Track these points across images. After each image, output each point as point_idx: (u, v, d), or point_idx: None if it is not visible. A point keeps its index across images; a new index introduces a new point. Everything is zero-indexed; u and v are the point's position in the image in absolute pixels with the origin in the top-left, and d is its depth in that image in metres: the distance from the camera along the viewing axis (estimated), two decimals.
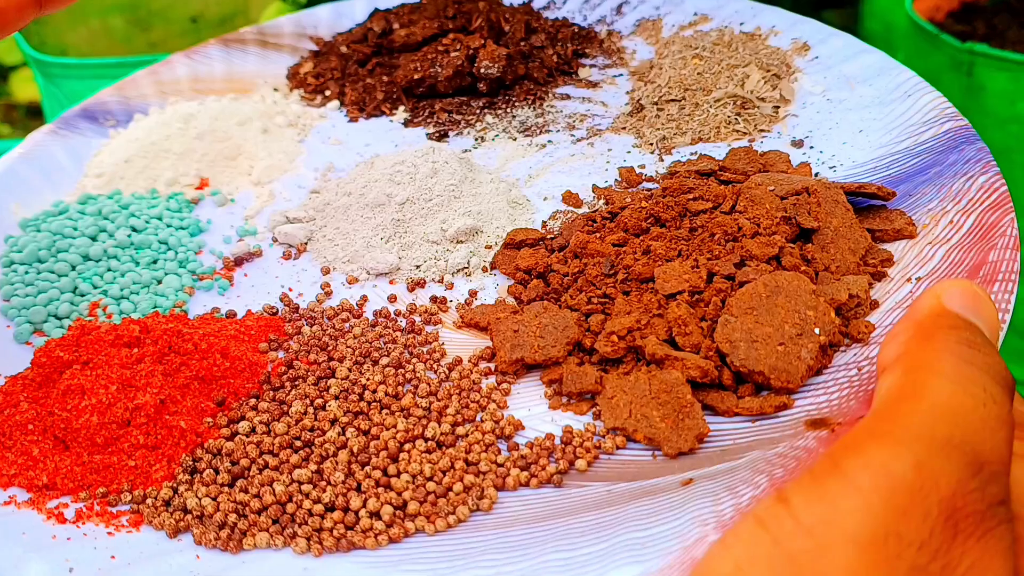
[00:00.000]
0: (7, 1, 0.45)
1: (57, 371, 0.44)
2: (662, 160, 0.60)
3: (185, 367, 0.45)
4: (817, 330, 0.42)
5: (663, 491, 0.37)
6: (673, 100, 0.65)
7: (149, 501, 0.40)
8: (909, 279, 0.46)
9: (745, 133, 0.62)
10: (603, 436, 0.42)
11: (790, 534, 0.28)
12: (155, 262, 0.56)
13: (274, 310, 0.51)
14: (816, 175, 0.56)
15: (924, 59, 0.95)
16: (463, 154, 0.62)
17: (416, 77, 0.68)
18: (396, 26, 0.74)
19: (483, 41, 0.69)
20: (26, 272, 0.55)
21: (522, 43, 0.72)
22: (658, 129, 0.63)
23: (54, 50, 1.02)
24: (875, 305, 0.45)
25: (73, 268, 0.55)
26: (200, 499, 0.40)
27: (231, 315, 0.51)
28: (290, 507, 0.39)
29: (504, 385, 0.45)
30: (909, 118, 0.57)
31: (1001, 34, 1.02)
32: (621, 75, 0.71)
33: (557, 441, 0.42)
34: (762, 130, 0.62)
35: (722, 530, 0.34)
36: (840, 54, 0.66)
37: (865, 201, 0.52)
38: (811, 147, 0.59)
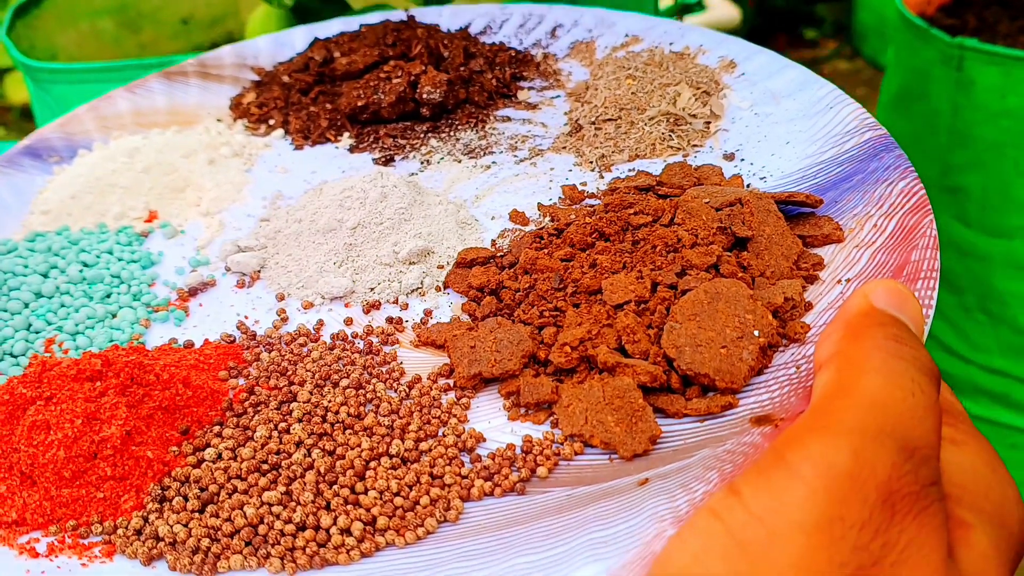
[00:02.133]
0: None
1: (20, 408, 0.44)
2: (602, 177, 0.63)
3: (148, 398, 0.45)
4: (756, 332, 0.45)
5: (621, 492, 0.39)
6: (610, 119, 0.68)
7: (120, 531, 0.41)
8: (839, 281, 0.49)
9: (679, 149, 0.64)
10: (561, 443, 0.43)
11: (742, 524, 0.30)
12: (108, 296, 0.56)
13: (231, 338, 0.52)
14: (748, 186, 0.59)
15: (914, 53, 0.95)
16: (410, 178, 0.64)
17: (360, 104, 0.70)
18: (337, 55, 0.75)
19: (424, 67, 0.71)
20: None
21: (462, 68, 0.74)
22: (597, 148, 0.65)
23: (44, 54, 1.01)
24: (809, 307, 0.48)
25: (26, 306, 0.55)
26: (172, 526, 0.40)
27: (189, 345, 0.52)
28: (262, 529, 0.40)
29: (463, 400, 0.47)
30: (832, 129, 0.61)
31: (992, 28, 1.02)
32: (558, 96, 0.74)
33: (518, 451, 0.43)
34: (695, 145, 0.65)
35: (679, 525, 0.36)
36: (765, 70, 0.70)
37: (795, 209, 0.55)
38: (742, 160, 0.62)
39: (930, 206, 0.51)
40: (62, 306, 0.55)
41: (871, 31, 2.10)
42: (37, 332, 0.54)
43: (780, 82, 0.68)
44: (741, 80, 0.70)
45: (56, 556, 0.40)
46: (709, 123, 0.66)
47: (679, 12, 1.90)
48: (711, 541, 0.30)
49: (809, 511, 0.30)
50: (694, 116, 0.67)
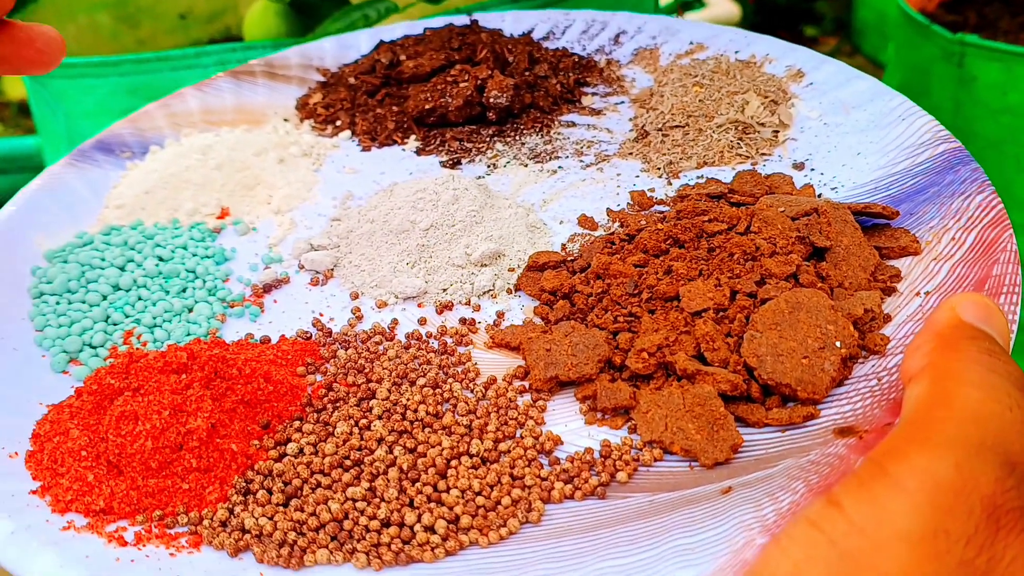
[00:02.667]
0: None
1: (109, 398, 0.45)
2: (670, 184, 0.63)
3: (231, 392, 0.46)
4: (838, 343, 0.44)
5: (704, 499, 0.39)
6: (677, 126, 0.68)
7: (206, 522, 0.41)
8: (918, 293, 0.49)
9: (748, 157, 0.64)
10: (640, 449, 0.44)
11: (844, 534, 0.30)
12: (184, 291, 0.57)
13: (307, 335, 0.53)
14: (819, 196, 0.59)
15: (915, 50, 0.94)
16: (479, 181, 0.64)
17: (427, 107, 0.70)
18: (403, 57, 0.76)
19: (490, 72, 0.71)
20: (57, 303, 0.56)
21: (526, 73, 0.74)
22: (664, 154, 0.65)
23: None
24: (888, 319, 0.48)
25: (104, 298, 0.56)
26: (257, 519, 0.41)
27: (265, 340, 0.53)
28: (347, 524, 0.40)
29: (540, 402, 0.47)
30: (904, 141, 0.60)
31: (992, 24, 1.02)
32: (622, 102, 0.74)
33: (596, 455, 0.44)
34: (764, 154, 0.65)
35: (767, 534, 0.36)
36: (833, 80, 0.69)
37: (869, 220, 0.54)
38: (812, 169, 0.62)
39: (1009, 221, 0.51)
40: (139, 299, 0.56)
41: (871, 28, 2.07)
42: (115, 324, 0.55)
43: (850, 92, 0.67)
44: (809, 90, 0.70)
45: (144, 545, 0.41)
46: (777, 132, 0.66)
47: (679, 8, 1.88)
48: (813, 551, 0.30)
49: (914, 522, 0.30)
50: (762, 124, 0.66)
